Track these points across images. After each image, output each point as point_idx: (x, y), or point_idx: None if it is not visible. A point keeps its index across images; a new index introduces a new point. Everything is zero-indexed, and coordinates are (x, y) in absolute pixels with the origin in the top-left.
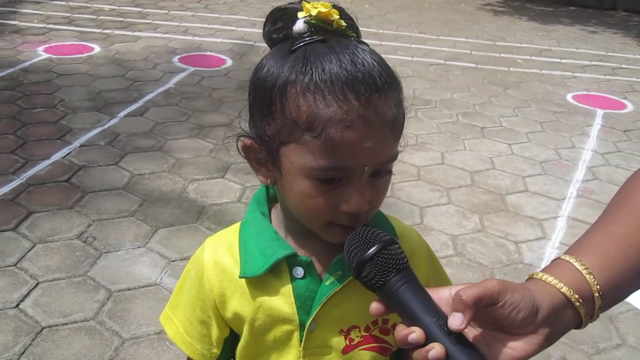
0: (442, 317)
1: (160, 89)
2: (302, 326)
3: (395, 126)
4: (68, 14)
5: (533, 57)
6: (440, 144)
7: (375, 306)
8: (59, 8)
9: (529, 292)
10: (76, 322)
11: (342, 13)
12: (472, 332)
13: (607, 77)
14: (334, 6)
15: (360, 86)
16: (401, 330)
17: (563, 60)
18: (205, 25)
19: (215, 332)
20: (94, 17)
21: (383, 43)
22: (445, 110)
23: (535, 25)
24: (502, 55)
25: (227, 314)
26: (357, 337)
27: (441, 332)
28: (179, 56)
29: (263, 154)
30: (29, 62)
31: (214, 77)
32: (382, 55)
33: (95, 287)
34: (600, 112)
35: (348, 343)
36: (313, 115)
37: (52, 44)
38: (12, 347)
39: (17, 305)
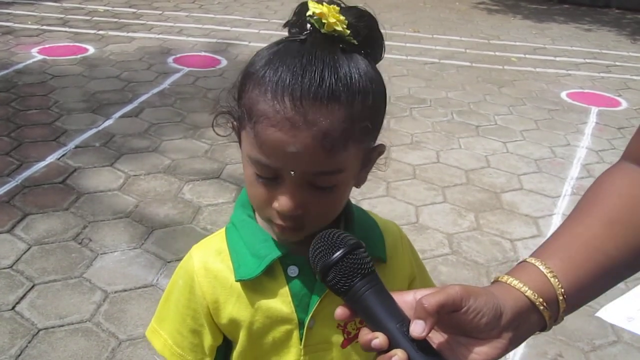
0: (406, 323)
1: (155, 90)
2: (301, 324)
3: (326, 140)
4: (62, 15)
5: (527, 55)
6: (435, 142)
7: (340, 311)
8: (53, 9)
9: (492, 296)
10: (72, 324)
11: (360, 19)
12: (436, 337)
13: (602, 74)
14: (353, 12)
15: (298, 91)
16: (365, 335)
17: (557, 58)
18: (200, 26)
19: (207, 340)
20: (88, 18)
21: None
22: (440, 109)
23: (529, 23)
24: (497, 53)
25: (221, 321)
26: (354, 329)
27: (404, 338)
28: (173, 57)
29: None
30: (23, 64)
31: (208, 77)
32: None
33: (91, 288)
34: (594, 110)
35: (346, 337)
36: (253, 107)
37: (47, 45)
38: (8, 350)
39: (13, 308)
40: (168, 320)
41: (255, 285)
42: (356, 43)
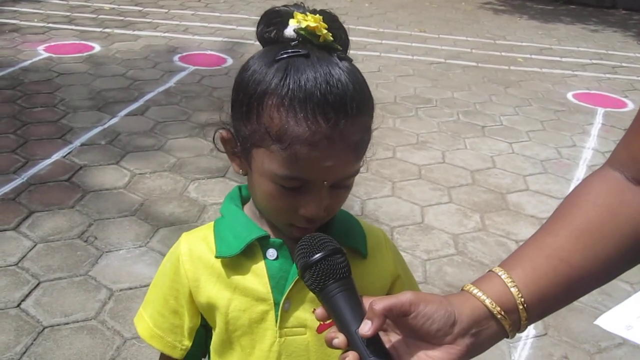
0: None
1: (161, 88)
2: (277, 305)
3: (357, 149)
4: (68, 13)
5: (533, 56)
6: (441, 142)
7: (319, 311)
8: (59, 7)
9: (446, 304)
10: (77, 322)
11: (333, 24)
12: (395, 338)
13: (608, 75)
14: (327, 17)
15: (330, 110)
16: (330, 332)
17: (563, 59)
18: (206, 24)
19: (187, 322)
20: (94, 16)
21: (383, 42)
22: (445, 109)
23: (535, 23)
24: (503, 53)
25: (201, 299)
26: None
27: (360, 343)
28: (179, 55)
29: (238, 148)
30: (29, 61)
31: (214, 76)
32: (382, 54)
33: (96, 286)
34: (600, 111)
35: (322, 322)
36: (283, 129)
37: (53, 43)
38: (13, 347)
39: (18, 305)
40: (151, 303)
41: (235, 265)
42: (340, 48)
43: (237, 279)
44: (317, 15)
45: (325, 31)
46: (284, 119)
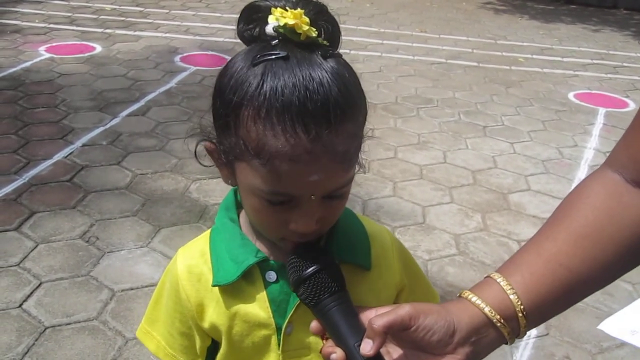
0: None
1: (162, 89)
2: (279, 330)
3: (345, 159)
4: (69, 14)
5: (534, 56)
6: (442, 142)
7: (314, 324)
8: (60, 8)
9: (445, 314)
10: (79, 322)
11: (320, 16)
12: (396, 352)
13: (609, 75)
14: (312, 8)
15: (311, 120)
16: (327, 347)
17: (564, 59)
18: (207, 25)
19: (198, 342)
20: (95, 16)
21: (384, 42)
22: (447, 109)
23: (536, 23)
24: (504, 53)
25: (204, 324)
26: None
27: (359, 357)
28: (180, 56)
29: (222, 159)
30: (31, 62)
31: (215, 76)
32: (383, 55)
33: (98, 287)
34: (602, 111)
35: (325, 343)
36: (261, 144)
37: (54, 44)
38: (15, 347)
39: (20, 305)
40: (159, 322)
41: (234, 290)
42: (327, 44)
43: (236, 304)
44: (298, 9)
45: (306, 27)
46: (261, 132)
